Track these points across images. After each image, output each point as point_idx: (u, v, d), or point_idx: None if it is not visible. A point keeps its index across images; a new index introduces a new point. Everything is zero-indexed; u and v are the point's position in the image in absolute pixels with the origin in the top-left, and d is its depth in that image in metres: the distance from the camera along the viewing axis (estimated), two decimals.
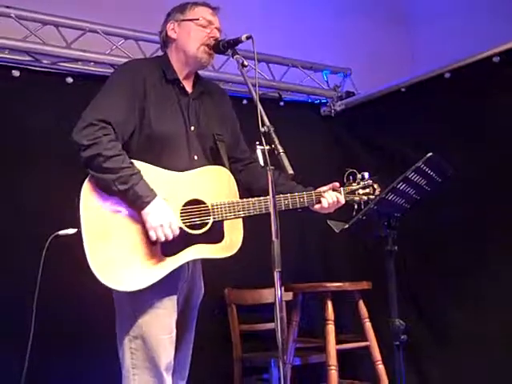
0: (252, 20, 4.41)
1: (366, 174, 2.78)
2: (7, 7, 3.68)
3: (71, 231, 2.43)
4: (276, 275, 2.15)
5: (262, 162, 2.20)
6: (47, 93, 3.79)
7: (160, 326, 2.51)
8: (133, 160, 2.45)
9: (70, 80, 3.90)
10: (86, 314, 3.54)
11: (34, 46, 3.74)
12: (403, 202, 2.74)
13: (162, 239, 2.42)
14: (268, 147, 2.20)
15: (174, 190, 2.49)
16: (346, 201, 2.75)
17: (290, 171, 2.16)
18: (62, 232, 2.48)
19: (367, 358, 3.96)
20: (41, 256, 2.50)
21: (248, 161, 2.86)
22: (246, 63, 2.42)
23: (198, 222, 2.52)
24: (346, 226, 2.75)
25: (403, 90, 4.51)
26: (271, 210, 2.18)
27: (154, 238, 2.41)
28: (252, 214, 2.57)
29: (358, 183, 2.78)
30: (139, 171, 2.43)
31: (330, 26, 5.09)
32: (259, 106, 2.26)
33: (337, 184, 2.75)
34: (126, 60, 3.90)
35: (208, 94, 2.76)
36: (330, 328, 3.79)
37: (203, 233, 2.52)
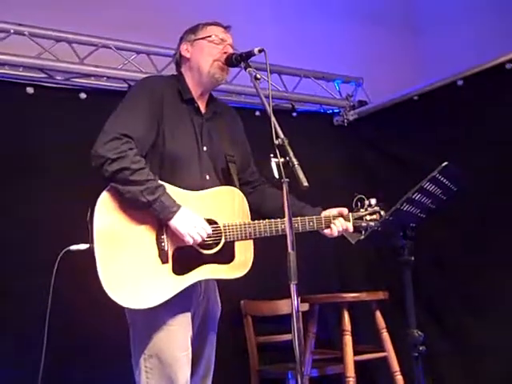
0: (263, 31, 4.43)
1: (373, 201, 2.79)
2: (20, 25, 3.72)
3: (83, 247, 2.43)
4: (292, 287, 2.14)
5: (276, 175, 2.20)
6: (61, 109, 3.81)
7: (175, 343, 2.49)
8: None
9: (83, 95, 3.92)
10: (98, 329, 3.53)
11: (47, 63, 3.77)
12: (418, 211, 2.72)
13: (199, 240, 2.44)
14: (282, 159, 2.20)
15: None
16: (354, 226, 2.76)
17: (305, 183, 2.15)
18: (73, 247, 2.48)
19: (385, 369, 3.93)
20: (52, 271, 2.50)
21: (257, 183, 2.88)
22: (259, 76, 2.44)
23: (209, 242, 2.52)
24: (362, 236, 2.75)
25: (416, 98, 4.50)
26: (286, 222, 2.18)
27: (190, 241, 2.43)
28: (263, 235, 2.58)
29: (366, 209, 2.78)
30: (163, 185, 2.45)
31: (341, 35, 5.09)
32: (273, 119, 2.26)
33: (345, 210, 2.75)
34: (138, 74, 3.97)
35: (220, 115, 2.77)
36: (348, 339, 3.77)
37: (214, 253, 2.52)
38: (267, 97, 2.34)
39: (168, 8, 4.34)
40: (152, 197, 2.38)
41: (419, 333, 2.68)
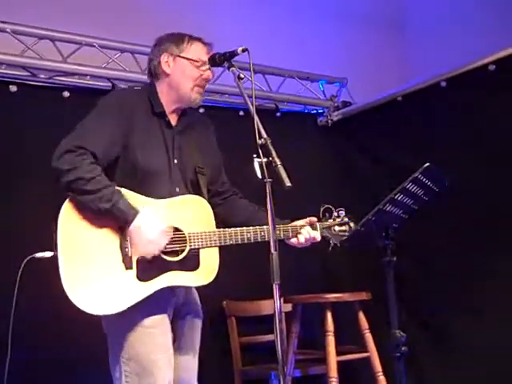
0: (248, 30, 4.43)
1: (342, 212, 2.80)
2: (3, 22, 3.68)
3: (48, 254, 2.45)
4: (275, 288, 2.15)
5: (259, 175, 2.20)
6: (44, 107, 3.79)
7: (153, 345, 2.48)
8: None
9: (66, 94, 3.90)
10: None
11: (30, 61, 3.74)
12: (401, 212, 2.74)
13: (155, 254, 2.43)
14: (265, 160, 2.20)
15: None
16: (322, 236, 2.76)
17: (288, 184, 2.15)
18: (38, 255, 2.50)
19: (368, 370, 3.94)
20: (16, 279, 2.50)
21: (227, 194, 2.87)
22: (242, 76, 2.42)
23: (174, 249, 2.52)
24: (345, 237, 2.75)
25: (399, 99, 4.51)
26: (269, 223, 2.18)
27: (142, 253, 2.42)
28: (229, 243, 2.59)
29: (334, 219, 2.79)
30: (120, 190, 2.45)
31: (326, 35, 5.10)
32: (256, 119, 2.26)
33: (314, 219, 2.75)
34: (122, 73, 3.96)
35: (193, 127, 2.76)
36: (330, 339, 3.78)
37: (179, 260, 2.52)
38: (251, 97, 2.34)
39: (153, 7, 4.33)
40: (108, 204, 2.39)
41: (401, 333, 2.70)
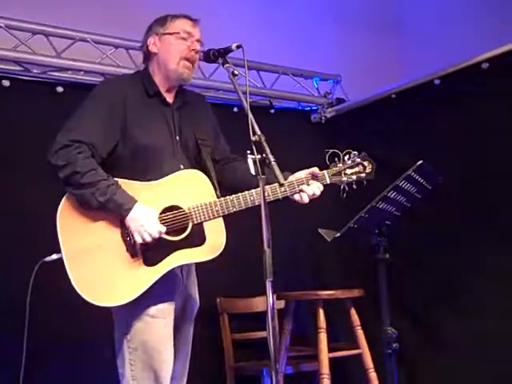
0: (242, 27, 4.42)
1: (355, 153, 2.67)
2: None
3: (55, 256, 2.51)
4: (268, 284, 2.15)
5: (253, 171, 2.20)
6: (37, 102, 3.78)
7: (158, 335, 2.52)
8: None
9: (60, 89, 3.89)
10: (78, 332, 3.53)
11: (23, 56, 3.73)
12: (394, 209, 2.75)
13: (148, 240, 2.43)
14: (259, 156, 2.19)
15: (148, 199, 2.49)
16: (332, 182, 2.62)
17: (282, 181, 2.15)
18: (47, 258, 2.57)
19: (359, 366, 3.95)
20: (28, 282, 2.58)
21: (228, 159, 2.85)
22: (236, 72, 2.43)
23: (177, 228, 2.50)
24: (338, 234, 2.76)
25: (393, 96, 4.52)
26: (263, 220, 2.17)
27: (139, 240, 2.43)
28: (232, 211, 2.53)
29: (344, 162, 2.65)
30: (116, 182, 2.46)
31: (320, 33, 5.10)
32: (250, 115, 2.25)
33: (317, 171, 2.63)
34: (116, 69, 3.96)
35: (189, 103, 2.77)
36: (322, 336, 3.78)
37: (184, 238, 2.50)
38: (245, 93, 2.33)
39: (148, 2, 4.31)
40: (104, 197, 2.41)
41: (393, 330, 2.72)
